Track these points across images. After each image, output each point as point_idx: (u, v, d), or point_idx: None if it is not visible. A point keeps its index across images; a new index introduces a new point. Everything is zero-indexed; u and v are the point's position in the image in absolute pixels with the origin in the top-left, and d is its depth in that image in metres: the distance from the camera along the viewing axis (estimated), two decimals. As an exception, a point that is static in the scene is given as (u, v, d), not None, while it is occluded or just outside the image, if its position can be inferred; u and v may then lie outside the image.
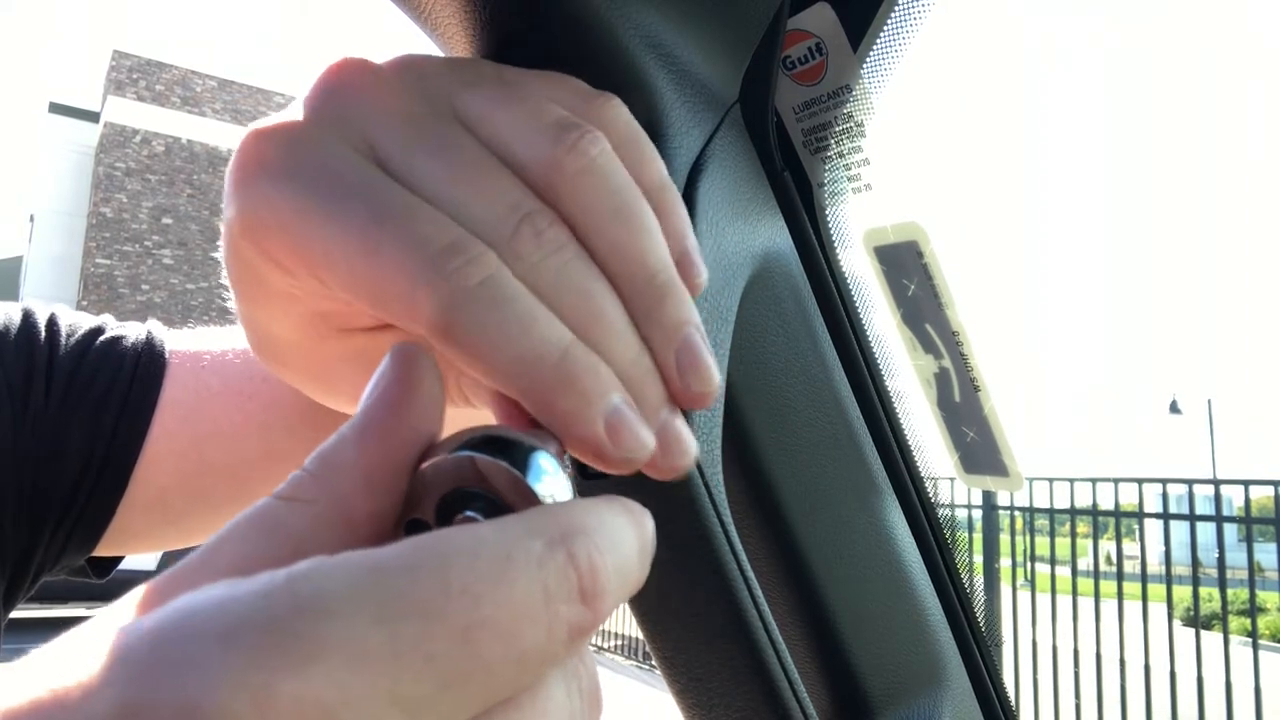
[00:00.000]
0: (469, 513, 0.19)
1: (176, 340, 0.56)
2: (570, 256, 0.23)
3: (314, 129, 0.23)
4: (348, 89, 0.24)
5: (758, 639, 0.37)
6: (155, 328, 0.57)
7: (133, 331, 0.57)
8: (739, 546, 0.36)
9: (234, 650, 0.13)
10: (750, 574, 0.37)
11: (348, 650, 0.14)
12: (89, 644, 0.14)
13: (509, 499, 0.19)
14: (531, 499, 0.19)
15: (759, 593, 0.37)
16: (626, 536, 0.19)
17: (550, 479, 0.20)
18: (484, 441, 0.20)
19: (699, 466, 0.34)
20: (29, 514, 0.50)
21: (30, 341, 0.52)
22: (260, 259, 0.24)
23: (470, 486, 0.19)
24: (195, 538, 0.57)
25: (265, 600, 0.14)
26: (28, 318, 0.54)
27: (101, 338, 0.55)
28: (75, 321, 0.56)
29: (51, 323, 0.55)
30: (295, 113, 0.24)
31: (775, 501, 0.45)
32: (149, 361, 0.55)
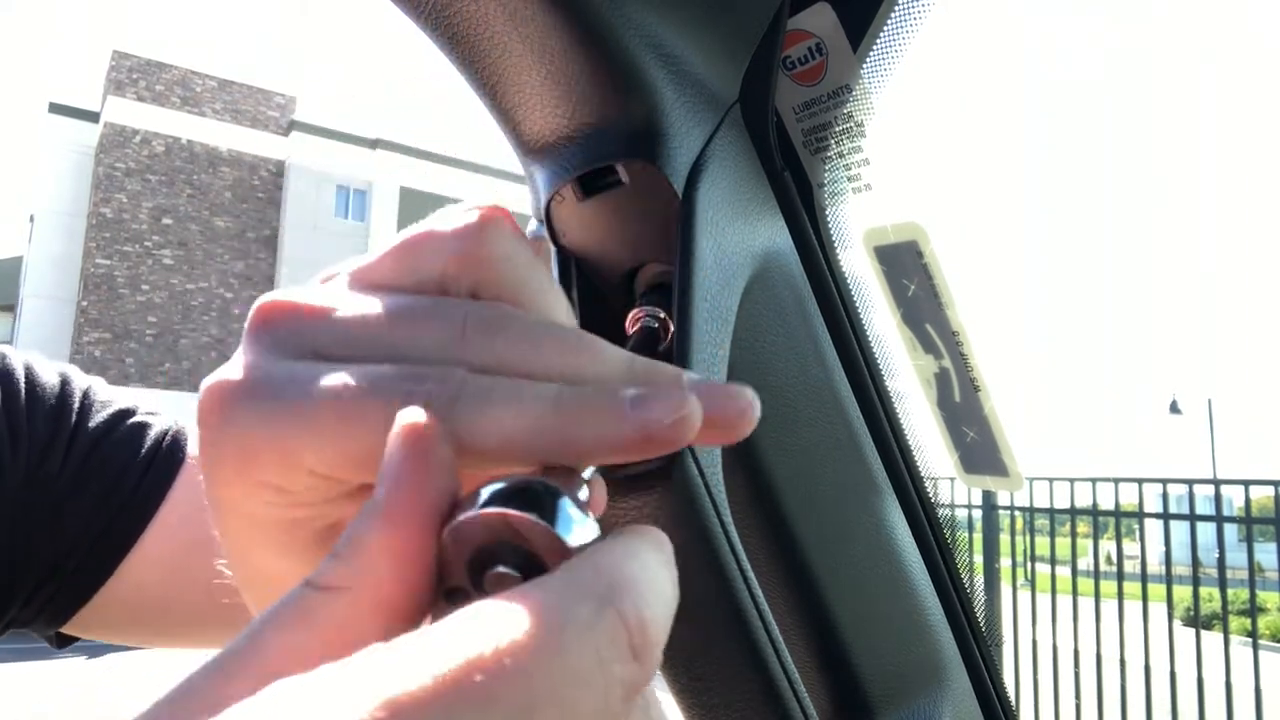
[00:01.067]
0: (501, 568, 0.19)
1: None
2: (523, 323, 0.24)
3: (255, 359, 0.25)
4: (271, 318, 0.25)
5: (758, 639, 0.37)
6: (184, 421, 0.57)
7: (160, 422, 0.57)
8: (739, 546, 0.36)
9: None
10: (750, 574, 0.37)
11: None
12: None
13: (540, 551, 0.19)
14: (563, 549, 0.19)
15: (759, 593, 0.37)
16: (664, 577, 0.19)
17: (579, 527, 0.20)
18: (507, 495, 0.19)
19: (699, 466, 0.34)
20: (11, 575, 0.50)
21: (61, 409, 0.53)
22: (255, 495, 0.25)
23: (499, 542, 0.19)
24: (158, 641, 0.57)
25: (329, 706, 0.14)
26: (65, 384, 0.54)
27: (129, 420, 0.55)
28: (109, 398, 0.56)
29: (86, 395, 0.55)
30: (235, 361, 0.25)
31: (775, 501, 0.45)
32: (167, 455, 0.55)
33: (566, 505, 0.20)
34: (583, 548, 0.19)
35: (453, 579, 0.20)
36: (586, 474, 0.23)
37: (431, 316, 0.24)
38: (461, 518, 0.19)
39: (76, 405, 0.53)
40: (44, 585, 0.51)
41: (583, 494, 0.22)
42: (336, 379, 0.23)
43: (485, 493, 0.20)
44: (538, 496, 0.20)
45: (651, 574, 0.18)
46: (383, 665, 0.15)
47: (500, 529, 0.19)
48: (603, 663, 0.16)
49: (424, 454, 0.20)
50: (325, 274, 0.28)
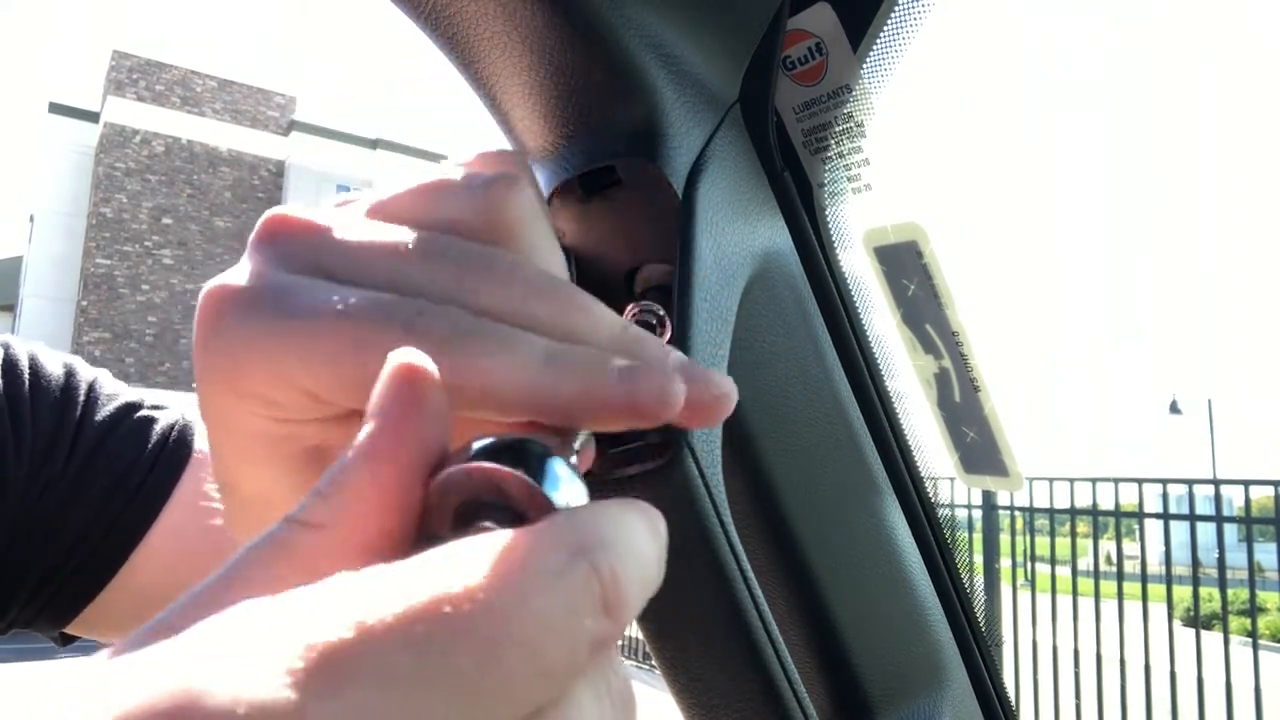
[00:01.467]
0: (486, 523, 0.19)
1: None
2: (525, 272, 0.24)
3: (260, 268, 0.24)
4: (280, 230, 0.25)
5: (758, 639, 0.37)
6: (191, 414, 0.56)
7: (167, 415, 0.56)
8: (739, 546, 0.36)
9: (268, 673, 0.13)
10: (750, 574, 0.37)
11: (378, 674, 0.14)
12: (132, 651, 0.15)
13: (526, 508, 0.19)
14: (548, 507, 0.19)
15: (759, 593, 0.37)
16: (645, 542, 0.19)
17: (566, 485, 0.19)
18: (497, 450, 0.19)
19: (699, 466, 0.34)
20: (13, 573, 0.49)
21: (66, 403, 0.52)
22: (244, 405, 0.24)
23: (485, 497, 0.19)
24: None
25: (296, 624, 0.14)
26: (70, 376, 0.53)
27: (136, 414, 0.54)
28: (115, 390, 0.55)
29: (92, 387, 0.54)
30: (240, 267, 0.25)
31: (775, 501, 0.45)
32: (174, 451, 0.54)
33: (556, 465, 0.20)
34: (569, 509, 0.19)
35: (436, 529, 0.19)
36: (578, 442, 0.23)
37: (438, 253, 0.24)
38: (450, 469, 0.19)
39: (82, 398, 0.52)
40: (47, 584, 0.51)
41: (572, 456, 0.22)
42: (336, 299, 0.22)
43: (476, 446, 0.20)
44: (528, 454, 0.19)
45: (631, 536, 0.18)
46: (353, 590, 0.15)
47: (488, 484, 0.19)
48: (572, 612, 0.16)
49: (417, 398, 0.20)
50: (341, 199, 0.28)
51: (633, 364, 0.23)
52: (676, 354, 0.25)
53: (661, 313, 0.36)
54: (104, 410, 0.53)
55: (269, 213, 0.26)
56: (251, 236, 0.26)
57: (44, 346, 0.54)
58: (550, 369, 0.22)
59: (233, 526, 0.31)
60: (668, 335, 0.36)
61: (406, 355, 0.20)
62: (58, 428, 0.51)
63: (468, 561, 0.16)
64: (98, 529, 0.51)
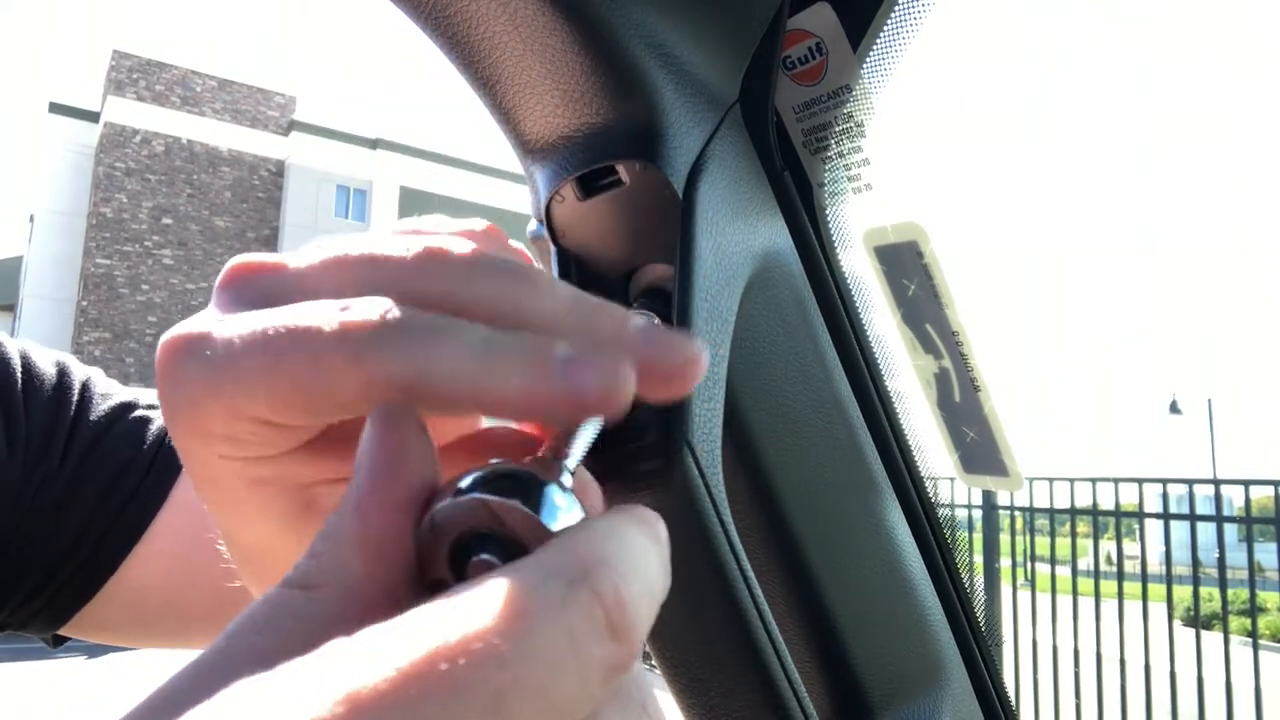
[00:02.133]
0: (484, 555, 0.18)
1: None
2: (469, 252, 0.23)
3: (209, 312, 0.24)
4: (238, 274, 0.25)
5: (758, 639, 0.37)
6: None
7: (161, 415, 0.55)
8: (739, 546, 0.36)
9: None
10: (750, 574, 0.37)
11: None
12: None
13: (524, 538, 0.18)
14: (548, 537, 0.18)
15: (759, 593, 0.37)
16: (648, 555, 0.18)
17: (564, 514, 0.19)
18: (489, 480, 0.19)
19: (699, 466, 0.34)
20: (7, 575, 0.49)
21: (60, 402, 0.51)
22: (212, 449, 0.24)
23: (481, 529, 0.19)
24: (161, 642, 0.55)
25: (287, 705, 0.14)
26: (63, 375, 0.52)
27: (131, 414, 0.53)
28: (109, 390, 0.54)
29: (86, 386, 0.53)
30: (199, 313, 0.25)
31: (775, 501, 0.45)
32: (171, 452, 0.53)
33: (552, 492, 0.19)
34: (563, 532, 0.18)
35: (435, 571, 0.19)
36: (571, 463, 0.23)
37: (378, 250, 0.23)
38: (436, 507, 0.19)
39: (75, 397, 0.52)
40: (42, 586, 0.50)
41: (566, 480, 0.21)
42: (261, 320, 0.22)
43: (466, 480, 0.19)
44: (521, 483, 0.19)
45: (632, 551, 0.17)
46: (344, 659, 0.14)
47: (483, 517, 0.19)
48: (577, 643, 0.15)
49: (398, 442, 0.19)
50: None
51: (577, 353, 0.21)
52: (636, 321, 0.23)
53: (657, 320, 0.35)
54: (98, 410, 0.53)
55: (231, 261, 0.26)
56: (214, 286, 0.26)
57: (35, 344, 0.54)
58: (489, 360, 0.20)
59: (241, 576, 0.31)
60: None
61: (386, 409, 0.20)
62: (51, 427, 0.50)
63: (461, 611, 0.15)
64: (93, 531, 0.50)
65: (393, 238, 0.24)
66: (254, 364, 0.22)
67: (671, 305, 0.35)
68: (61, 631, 0.53)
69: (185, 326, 0.24)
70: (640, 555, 0.18)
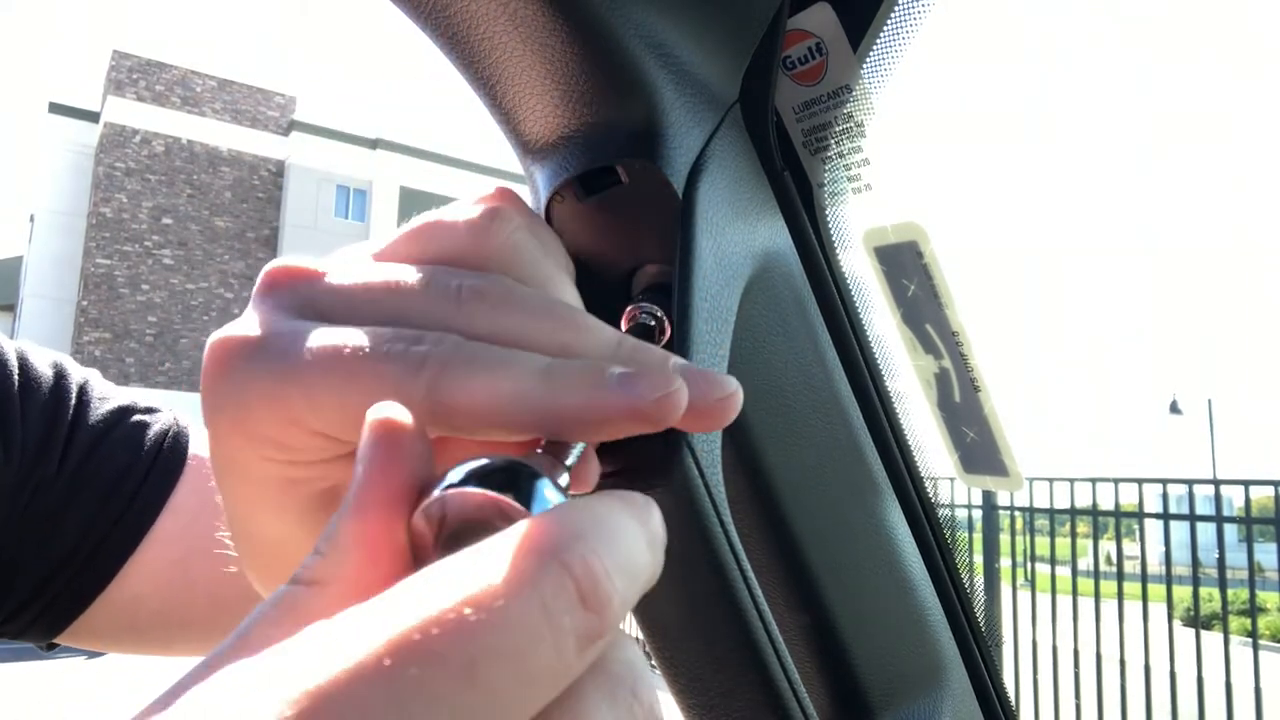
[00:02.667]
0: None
1: (202, 440, 0.54)
2: (517, 294, 0.25)
3: (262, 315, 0.25)
4: (281, 279, 0.26)
5: (758, 639, 0.37)
6: (185, 419, 0.55)
7: (161, 419, 0.54)
8: (739, 547, 0.36)
9: None
10: (750, 574, 0.37)
11: (356, 716, 0.14)
12: None
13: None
14: None
15: (759, 593, 0.37)
16: (628, 531, 0.18)
17: (554, 502, 0.19)
18: (479, 474, 0.19)
19: (699, 466, 0.34)
20: (3, 582, 0.48)
21: (57, 405, 0.50)
22: (255, 450, 0.25)
23: (472, 521, 0.19)
24: (156, 651, 0.55)
25: (270, 681, 0.14)
26: (61, 378, 0.52)
27: (130, 419, 0.53)
28: (107, 393, 0.54)
29: (83, 389, 0.52)
30: (244, 317, 0.26)
31: (775, 501, 0.45)
32: (169, 456, 0.53)
33: (543, 485, 0.20)
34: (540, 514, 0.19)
35: (429, 563, 0.20)
36: (570, 459, 0.23)
37: (430, 283, 0.25)
38: (429, 500, 0.19)
39: (73, 400, 0.51)
40: (39, 594, 0.49)
41: (563, 479, 0.22)
42: (334, 338, 0.23)
43: (459, 473, 0.20)
44: (512, 475, 0.19)
45: (607, 528, 0.18)
46: (324, 636, 0.15)
47: (470, 510, 0.19)
48: (550, 614, 0.16)
49: (394, 443, 0.20)
50: (341, 253, 0.28)
51: (629, 370, 0.23)
52: (676, 359, 0.26)
53: (660, 314, 0.35)
54: (96, 413, 0.52)
55: (270, 264, 0.27)
56: (254, 288, 0.27)
57: (32, 345, 0.53)
58: (549, 382, 0.22)
59: (248, 571, 0.31)
60: (667, 336, 0.35)
61: (383, 409, 0.21)
62: (48, 431, 0.49)
63: (436, 585, 0.16)
64: (91, 537, 0.50)
65: (442, 272, 0.25)
66: (326, 379, 0.23)
67: (671, 305, 0.35)
68: (57, 640, 0.53)
69: (238, 329, 0.25)
70: (618, 532, 0.18)
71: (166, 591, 0.52)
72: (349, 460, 0.25)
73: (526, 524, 0.17)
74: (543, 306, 0.25)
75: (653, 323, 0.35)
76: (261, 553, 0.30)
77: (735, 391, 0.25)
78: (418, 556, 0.20)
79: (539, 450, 0.24)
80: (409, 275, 0.25)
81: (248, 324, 0.25)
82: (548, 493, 0.20)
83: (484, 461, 0.20)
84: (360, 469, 0.20)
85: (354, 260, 0.27)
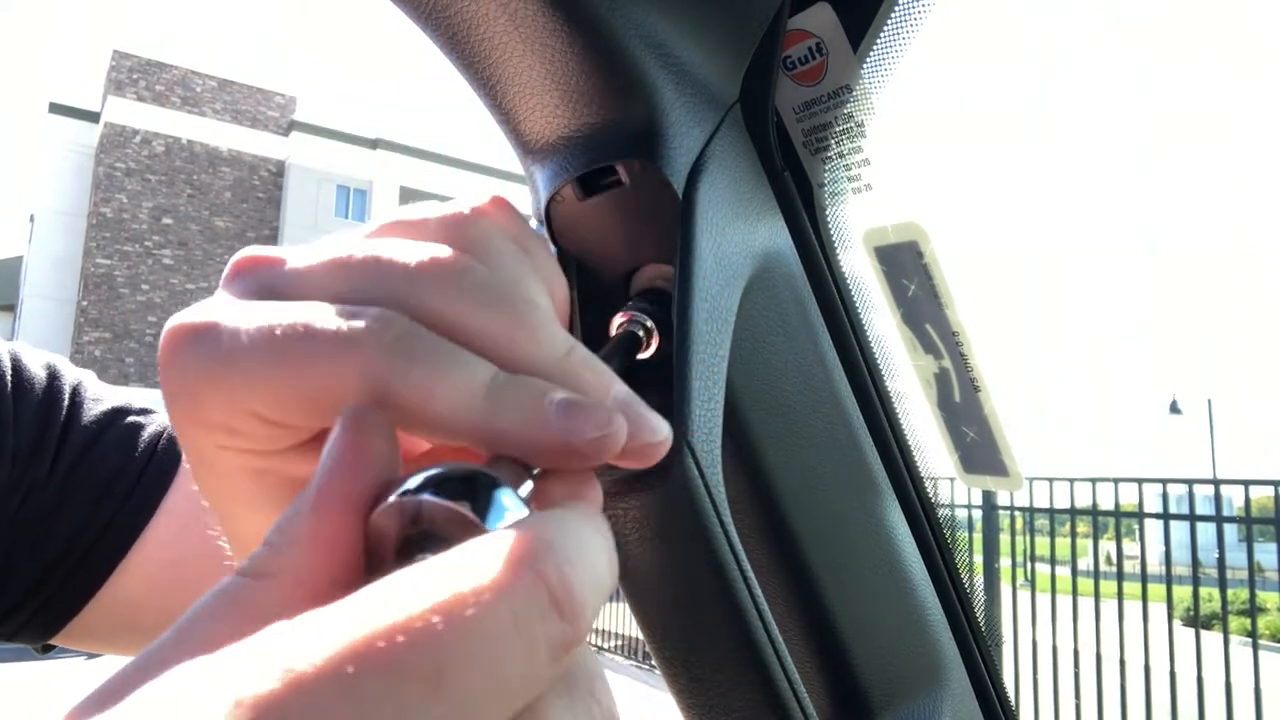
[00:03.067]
0: (424, 556, 0.18)
1: None
2: (474, 278, 0.24)
3: (214, 302, 0.25)
4: (244, 266, 0.25)
5: (758, 639, 0.37)
6: None
7: (155, 420, 0.54)
8: (739, 547, 0.36)
9: None
10: (750, 574, 0.37)
11: None
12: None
13: (463, 540, 0.18)
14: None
15: (759, 593, 0.37)
16: (594, 545, 0.19)
17: (513, 515, 0.19)
18: (438, 481, 0.19)
19: (699, 466, 0.34)
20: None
21: (50, 406, 0.50)
22: (211, 438, 0.24)
23: (428, 528, 0.19)
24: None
25: (225, 681, 0.14)
26: (54, 379, 0.51)
27: (124, 420, 0.53)
28: (101, 394, 0.54)
29: (76, 391, 0.52)
30: (202, 303, 0.25)
31: (775, 501, 0.45)
32: (163, 458, 0.52)
33: (501, 495, 0.19)
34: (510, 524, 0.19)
35: (383, 569, 0.19)
36: (536, 468, 0.23)
37: (381, 257, 0.24)
38: (384, 505, 0.19)
39: (66, 401, 0.51)
40: (31, 596, 0.49)
41: (526, 488, 0.22)
42: (270, 316, 0.22)
43: (417, 478, 0.19)
44: (469, 484, 0.19)
45: (575, 539, 0.18)
46: (285, 640, 0.15)
47: (435, 517, 0.19)
48: (520, 621, 0.16)
49: (363, 446, 0.20)
50: (325, 238, 0.28)
51: (572, 399, 0.22)
52: (619, 388, 0.25)
53: (650, 323, 0.35)
54: (90, 414, 0.52)
55: (237, 254, 0.26)
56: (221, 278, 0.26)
57: (26, 346, 0.53)
58: (488, 400, 0.22)
59: (236, 561, 0.31)
60: (655, 344, 0.35)
61: (351, 409, 0.20)
62: (41, 433, 0.49)
63: (402, 592, 0.15)
64: (84, 539, 0.49)
65: (397, 244, 0.24)
66: (258, 358, 0.22)
67: (671, 305, 0.35)
68: (52, 641, 0.52)
69: (189, 315, 0.24)
70: (586, 543, 0.18)
71: (162, 593, 0.51)
72: (315, 448, 0.24)
73: (498, 533, 0.17)
74: (497, 297, 0.24)
75: (641, 332, 0.34)
76: (243, 546, 0.29)
77: (666, 438, 0.24)
78: (372, 559, 0.19)
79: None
80: (364, 249, 0.24)
81: (199, 310, 0.24)
82: (506, 501, 0.19)
83: (445, 469, 0.20)
84: (324, 465, 0.20)
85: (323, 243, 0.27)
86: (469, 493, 0.19)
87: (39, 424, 0.49)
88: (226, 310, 0.24)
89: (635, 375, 0.36)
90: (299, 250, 0.26)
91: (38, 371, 0.51)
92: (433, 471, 0.19)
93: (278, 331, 0.22)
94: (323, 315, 0.22)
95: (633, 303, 0.37)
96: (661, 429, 0.24)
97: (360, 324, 0.21)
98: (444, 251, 0.24)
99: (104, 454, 0.51)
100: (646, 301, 0.37)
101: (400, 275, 0.23)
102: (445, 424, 0.21)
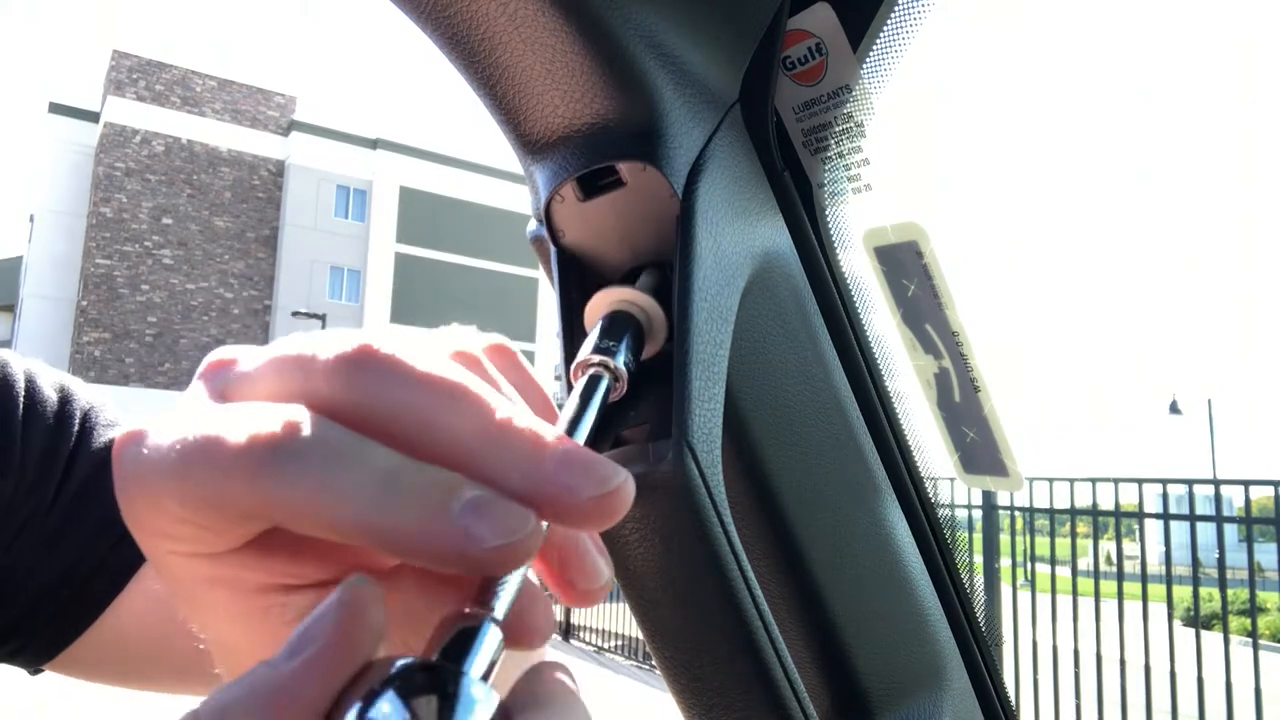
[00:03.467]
0: None
1: None
2: (396, 362, 0.22)
3: (186, 393, 0.25)
4: (205, 370, 0.25)
5: (758, 639, 0.37)
6: None
7: None
8: (739, 547, 0.36)
9: None
10: (750, 574, 0.37)
11: None
12: None
13: None
14: None
15: (759, 593, 0.37)
16: None
17: (481, 709, 0.19)
18: (400, 681, 0.18)
19: (699, 467, 0.34)
20: None
21: (59, 431, 0.50)
22: (151, 541, 0.24)
23: None
24: (138, 685, 0.54)
25: None
26: (65, 403, 0.51)
27: None
28: (114, 420, 0.54)
29: (87, 416, 0.52)
30: None
31: (775, 502, 0.45)
32: None
33: (466, 685, 0.19)
34: None
35: None
36: (500, 608, 0.22)
37: (309, 352, 0.23)
38: (347, 704, 0.18)
39: (76, 427, 0.51)
40: (28, 619, 0.48)
41: (490, 645, 0.21)
42: (182, 424, 0.22)
43: (378, 683, 0.19)
44: (430, 681, 0.19)
45: None
46: None
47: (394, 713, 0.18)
48: None
49: (347, 623, 0.19)
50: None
51: (482, 498, 0.20)
52: (556, 452, 0.22)
53: (614, 364, 0.31)
54: (99, 441, 0.52)
55: (211, 354, 0.26)
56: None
57: (43, 364, 0.53)
58: (384, 497, 0.20)
59: (216, 665, 0.31)
60: (622, 391, 0.32)
61: (353, 582, 0.20)
62: (48, 458, 0.49)
63: None
64: (83, 568, 0.49)
65: (326, 339, 0.23)
66: (167, 467, 0.22)
67: (671, 305, 0.35)
68: (44, 668, 0.52)
69: (136, 421, 0.24)
70: None
71: (150, 630, 0.51)
72: (256, 556, 0.24)
73: None
74: (425, 376, 0.22)
75: (605, 375, 0.31)
76: (219, 654, 0.28)
77: (618, 488, 0.22)
78: None
79: (468, 598, 0.22)
80: (295, 347, 0.23)
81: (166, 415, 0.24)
82: (474, 691, 0.19)
83: (402, 669, 0.19)
84: (306, 645, 0.19)
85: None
86: (431, 688, 0.18)
87: (46, 449, 0.49)
88: (171, 414, 0.23)
89: (637, 376, 0.36)
90: (256, 350, 0.25)
91: (50, 394, 0.51)
92: (394, 670, 0.19)
93: (184, 441, 0.21)
94: (230, 421, 0.21)
95: (597, 342, 0.33)
96: (612, 479, 0.22)
97: (257, 429, 0.21)
98: (367, 340, 0.23)
99: (107, 485, 0.51)
100: (611, 338, 0.33)
101: (319, 368, 0.22)
102: (337, 527, 0.20)
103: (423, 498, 0.20)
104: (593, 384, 0.30)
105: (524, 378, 0.30)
